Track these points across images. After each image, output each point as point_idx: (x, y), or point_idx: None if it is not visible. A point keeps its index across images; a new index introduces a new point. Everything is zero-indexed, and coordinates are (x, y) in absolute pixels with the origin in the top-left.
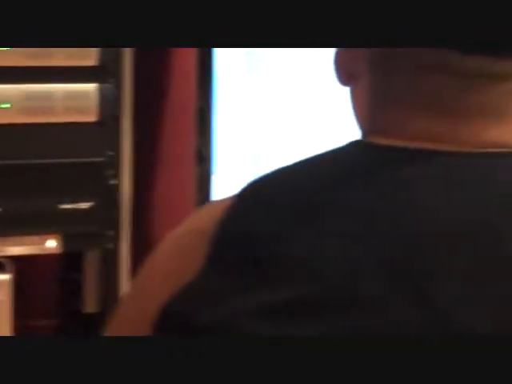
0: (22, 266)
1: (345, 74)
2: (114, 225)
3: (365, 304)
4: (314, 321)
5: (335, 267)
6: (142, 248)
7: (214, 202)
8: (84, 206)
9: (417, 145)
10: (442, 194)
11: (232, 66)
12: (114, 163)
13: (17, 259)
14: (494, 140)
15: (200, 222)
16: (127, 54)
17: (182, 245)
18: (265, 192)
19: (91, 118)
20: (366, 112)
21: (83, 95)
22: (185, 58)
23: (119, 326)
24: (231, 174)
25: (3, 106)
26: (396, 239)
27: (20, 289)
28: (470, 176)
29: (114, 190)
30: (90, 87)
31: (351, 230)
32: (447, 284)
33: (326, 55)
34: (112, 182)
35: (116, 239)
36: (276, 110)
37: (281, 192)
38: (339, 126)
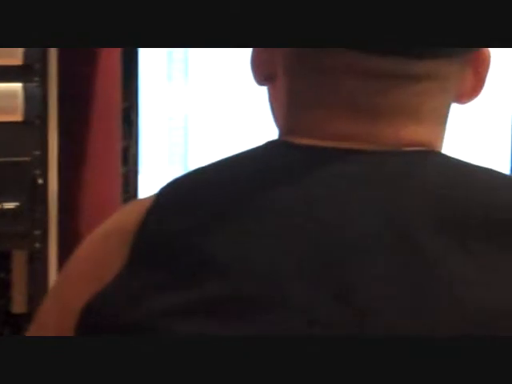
0: None
1: (261, 74)
2: (42, 224)
3: (285, 304)
4: (233, 320)
5: (255, 267)
6: (70, 247)
7: (135, 201)
8: (11, 205)
9: (335, 144)
10: (359, 192)
11: (154, 66)
12: (41, 162)
13: None
14: (410, 139)
15: (121, 221)
16: (53, 54)
17: (104, 244)
18: (183, 192)
19: (17, 117)
20: (284, 112)
21: (9, 94)
22: (110, 57)
23: (42, 325)
24: (157, 173)
25: None
26: (316, 239)
27: None
28: (386, 174)
29: (41, 190)
30: (16, 86)
31: (271, 229)
32: (365, 283)
33: (247, 55)
34: (39, 181)
35: (44, 238)
36: (201, 109)
37: (199, 192)
38: (263, 124)
